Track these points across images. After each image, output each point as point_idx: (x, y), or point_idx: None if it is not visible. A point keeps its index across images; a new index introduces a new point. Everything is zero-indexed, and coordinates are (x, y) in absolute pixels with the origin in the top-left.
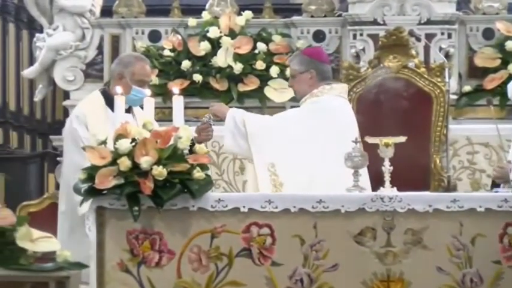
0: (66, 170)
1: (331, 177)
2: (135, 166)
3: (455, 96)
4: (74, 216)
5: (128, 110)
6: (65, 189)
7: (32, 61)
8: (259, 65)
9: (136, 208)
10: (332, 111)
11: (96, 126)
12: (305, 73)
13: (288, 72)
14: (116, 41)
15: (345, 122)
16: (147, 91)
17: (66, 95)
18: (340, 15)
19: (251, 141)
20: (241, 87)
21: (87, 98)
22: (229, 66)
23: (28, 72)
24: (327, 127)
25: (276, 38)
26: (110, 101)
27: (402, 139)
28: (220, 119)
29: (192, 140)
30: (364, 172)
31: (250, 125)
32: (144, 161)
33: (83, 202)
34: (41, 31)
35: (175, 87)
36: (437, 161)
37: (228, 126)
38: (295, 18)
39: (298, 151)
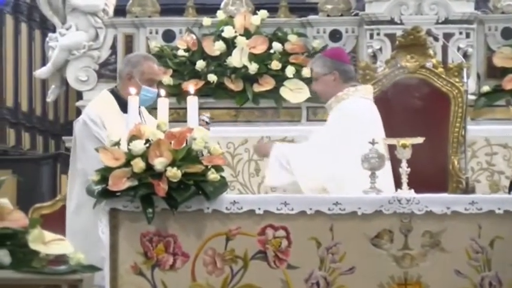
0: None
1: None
2: (149, 167)
3: (473, 97)
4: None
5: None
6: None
7: (44, 61)
8: (275, 65)
9: (150, 210)
10: (359, 115)
11: (113, 128)
12: (328, 75)
13: (304, 72)
14: (129, 40)
15: (372, 125)
16: (157, 90)
17: (79, 95)
18: (356, 15)
19: (299, 178)
20: (257, 88)
21: (98, 99)
22: (245, 66)
23: (40, 72)
24: (357, 134)
25: (292, 38)
26: (121, 102)
27: (419, 140)
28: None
29: None
30: (387, 173)
31: (295, 163)
32: (158, 163)
33: (96, 204)
34: (54, 31)
35: (190, 87)
36: (456, 163)
37: (273, 166)
38: (311, 17)
39: (342, 167)
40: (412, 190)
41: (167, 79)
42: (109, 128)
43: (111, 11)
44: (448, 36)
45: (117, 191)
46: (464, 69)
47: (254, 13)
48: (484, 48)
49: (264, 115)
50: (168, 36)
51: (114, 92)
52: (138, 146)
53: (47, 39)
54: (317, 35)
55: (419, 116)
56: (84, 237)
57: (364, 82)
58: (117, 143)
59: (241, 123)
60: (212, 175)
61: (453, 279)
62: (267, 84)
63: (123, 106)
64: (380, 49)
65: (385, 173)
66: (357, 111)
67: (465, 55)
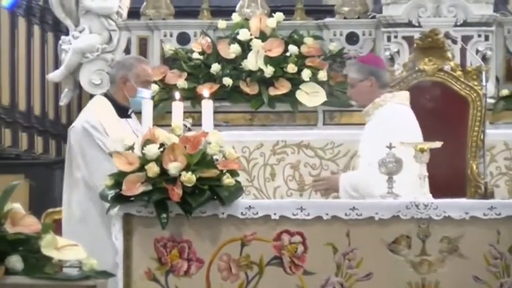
0: (97, 180)
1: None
2: (164, 172)
3: (492, 100)
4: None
5: (128, 115)
6: (93, 197)
7: (57, 64)
8: (291, 68)
9: (164, 215)
10: (399, 123)
11: (115, 133)
12: (364, 81)
13: (320, 75)
14: (143, 43)
15: (411, 131)
16: (152, 91)
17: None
18: (374, 17)
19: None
20: (272, 91)
21: (96, 105)
22: (260, 70)
23: (53, 75)
24: (397, 138)
25: (308, 41)
26: (117, 107)
27: (437, 144)
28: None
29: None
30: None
31: (362, 189)
32: (173, 167)
33: (110, 209)
34: (67, 33)
35: (205, 90)
36: (474, 167)
37: (344, 196)
38: (327, 20)
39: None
40: (430, 195)
41: (182, 82)
42: (111, 134)
43: (125, 13)
44: (466, 39)
45: (131, 196)
46: (483, 72)
47: (270, 15)
48: (503, 51)
49: (279, 119)
50: (183, 39)
51: (108, 97)
52: (153, 150)
53: (60, 42)
54: (334, 37)
55: (437, 120)
56: (91, 245)
57: None
58: (131, 147)
59: (256, 127)
60: (227, 180)
61: (471, 285)
62: (282, 87)
63: (119, 111)
64: (397, 52)
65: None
66: (396, 119)
67: (484, 58)
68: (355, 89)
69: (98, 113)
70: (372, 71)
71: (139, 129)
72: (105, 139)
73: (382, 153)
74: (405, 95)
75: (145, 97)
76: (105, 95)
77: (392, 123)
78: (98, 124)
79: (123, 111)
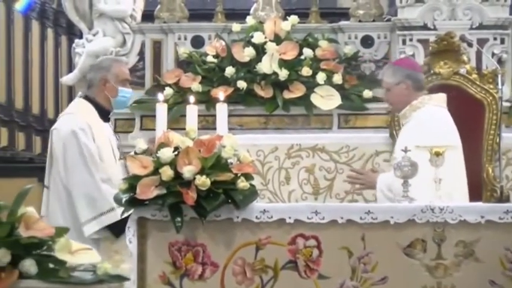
0: (73, 188)
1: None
2: (178, 176)
3: (508, 104)
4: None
5: (107, 119)
6: (66, 207)
7: (71, 67)
8: (306, 71)
9: (178, 219)
10: (437, 125)
11: (100, 138)
12: (400, 84)
13: (335, 79)
14: (157, 46)
15: (448, 133)
16: (131, 89)
17: None
18: (389, 20)
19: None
20: (287, 94)
21: (81, 107)
22: (275, 73)
23: (67, 78)
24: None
25: (323, 44)
26: (99, 110)
27: (453, 148)
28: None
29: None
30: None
31: (396, 190)
32: (187, 171)
33: (124, 212)
34: (81, 36)
35: (220, 93)
36: (490, 171)
37: (379, 199)
38: (342, 23)
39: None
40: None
41: (196, 86)
42: (98, 138)
43: (138, 16)
44: (482, 42)
45: (145, 200)
46: (499, 76)
47: (284, 18)
48: None
49: (294, 122)
50: (197, 42)
51: (90, 100)
52: (167, 153)
53: (74, 45)
54: (348, 40)
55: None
56: None
57: None
58: (145, 151)
59: (271, 131)
60: (242, 183)
61: None
62: (297, 90)
63: (102, 114)
64: (413, 55)
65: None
66: (433, 121)
67: (499, 61)
68: (391, 93)
69: (86, 116)
70: (407, 73)
71: (111, 137)
72: (91, 144)
73: (418, 156)
74: (442, 97)
75: (127, 96)
76: (86, 97)
77: (429, 126)
78: (87, 127)
79: (103, 115)
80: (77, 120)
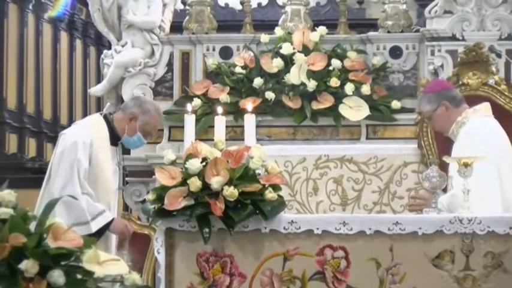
0: (55, 192)
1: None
2: (206, 186)
3: None
4: None
5: (116, 144)
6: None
7: (99, 78)
8: (334, 82)
9: (206, 230)
10: (485, 134)
11: (100, 157)
12: (438, 108)
13: (363, 89)
14: (186, 57)
15: (497, 142)
16: (146, 141)
17: None
18: (417, 31)
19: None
20: (315, 105)
21: (92, 122)
22: (303, 84)
23: (95, 89)
24: (491, 152)
25: (351, 55)
26: (112, 132)
27: (482, 159)
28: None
29: None
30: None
31: (455, 208)
32: (215, 181)
33: (152, 223)
34: (109, 47)
35: (248, 104)
36: None
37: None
38: (371, 33)
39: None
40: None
41: (224, 97)
42: (98, 158)
43: (167, 27)
44: (511, 53)
45: (173, 211)
46: None
47: (313, 29)
48: None
49: (322, 133)
50: (226, 53)
51: (107, 120)
52: (195, 164)
53: (102, 56)
54: (377, 51)
55: None
56: None
57: None
58: (174, 162)
59: (299, 142)
60: (270, 194)
61: None
62: (325, 101)
63: (113, 137)
64: (441, 66)
65: None
66: (480, 133)
67: None
68: (434, 120)
69: (94, 130)
70: (441, 96)
71: (121, 161)
72: (85, 162)
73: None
74: (486, 107)
75: (138, 143)
76: (105, 116)
77: (477, 139)
78: (88, 142)
79: (115, 138)
80: (83, 132)
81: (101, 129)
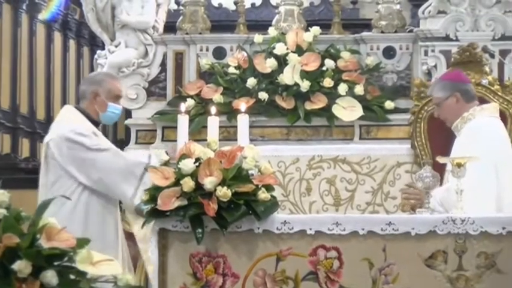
0: (101, 176)
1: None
2: (199, 187)
3: None
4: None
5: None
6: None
7: None
8: (327, 82)
9: (199, 230)
10: (489, 135)
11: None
12: (450, 98)
13: (356, 90)
14: (179, 57)
15: (500, 143)
16: (121, 106)
17: (128, 113)
18: (411, 31)
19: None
20: (309, 106)
21: (73, 117)
22: (296, 84)
23: None
24: (490, 153)
25: (345, 55)
26: (89, 120)
27: (477, 159)
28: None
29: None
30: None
31: (447, 203)
32: (208, 182)
33: (145, 224)
34: (103, 48)
35: (242, 105)
36: None
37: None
38: (364, 34)
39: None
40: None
41: (218, 97)
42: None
43: (161, 27)
44: (504, 53)
45: (166, 211)
46: None
47: (306, 30)
48: None
49: (316, 133)
50: (219, 53)
51: (80, 111)
52: (188, 165)
53: (96, 56)
54: (370, 51)
55: None
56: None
57: (418, 100)
58: (167, 162)
59: (292, 142)
60: (263, 194)
61: None
62: (319, 102)
63: (92, 123)
64: (435, 66)
65: None
66: (484, 132)
67: None
68: (442, 108)
69: (80, 123)
70: (456, 86)
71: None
72: (98, 139)
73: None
74: (494, 107)
75: (116, 112)
76: (77, 108)
77: (479, 137)
78: (85, 130)
79: (94, 124)
80: (73, 126)
81: (84, 121)
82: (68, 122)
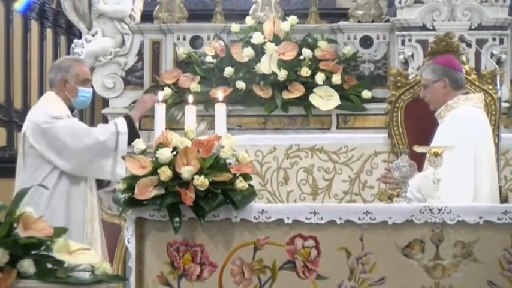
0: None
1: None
2: (176, 176)
3: (507, 104)
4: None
5: (73, 116)
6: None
7: None
8: (305, 71)
9: (177, 219)
10: (470, 125)
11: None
12: (438, 82)
13: (334, 79)
14: (156, 47)
15: (480, 134)
16: (92, 89)
17: (105, 102)
18: (388, 20)
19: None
20: (286, 95)
21: (53, 100)
22: (274, 73)
23: None
24: (470, 144)
25: (322, 44)
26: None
27: (452, 148)
28: None
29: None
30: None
31: (425, 190)
32: (186, 171)
33: (122, 213)
34: (80, 37)
35: (218, 94)
36: None
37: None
38: (341, 23)
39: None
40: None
41: (195, 86)
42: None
43: (138, 16)
44: (481, 43)
45: (143, 200)
46: (498, 76)
47: (283, 19)
48: None
49: (293, 123)
50: (196, 42)
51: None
52: (166, 154)
53: (73, 45)
54: (348, 41)
55: None
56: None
57: (395, 89)
58: (144, 151)
59: (270, 131)
60: (240, 184)
61: None
62: (296, 91)
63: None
64: (412, 55)
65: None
66: (466, 122)
67: (498, 61)
68: (429, 90)
69: (60, 107)
70: (446, 72)
71: None
72: (73, 119)
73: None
74: (479, 98)
75: (86, 96)
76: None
77: (461, 126)
78: (58, 113)
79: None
80: (49, 110)
81: (60, 103)
82: (44, 105)
